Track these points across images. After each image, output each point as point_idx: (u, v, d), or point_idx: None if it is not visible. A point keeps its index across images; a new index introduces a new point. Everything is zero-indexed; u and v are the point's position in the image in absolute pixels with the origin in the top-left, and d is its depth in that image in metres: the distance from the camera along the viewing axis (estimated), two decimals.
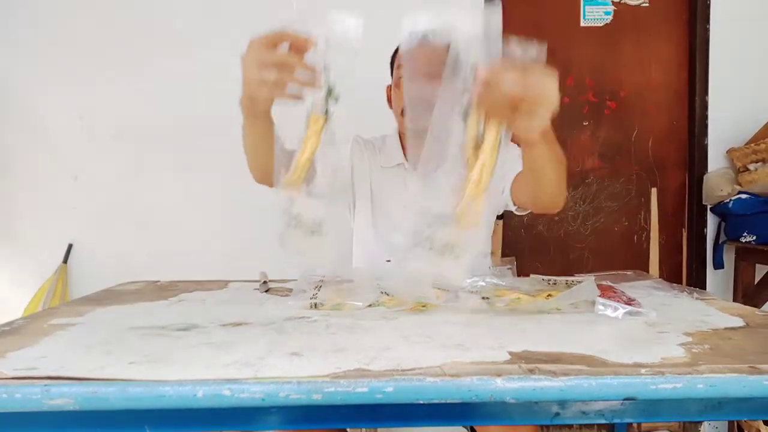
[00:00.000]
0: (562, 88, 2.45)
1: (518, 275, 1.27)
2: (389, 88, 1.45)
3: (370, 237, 1.46)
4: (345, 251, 1.51)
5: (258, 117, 0.94)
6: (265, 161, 0.97)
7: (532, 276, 1.24)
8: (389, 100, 1.45)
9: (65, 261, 2.24)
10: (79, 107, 2.28)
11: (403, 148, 1.44)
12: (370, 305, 0.96)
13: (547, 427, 2.05)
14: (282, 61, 0.80)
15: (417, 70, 1.19)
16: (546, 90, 0.74)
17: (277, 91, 0.82)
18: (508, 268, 1.27)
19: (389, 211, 1.42)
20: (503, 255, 2.16)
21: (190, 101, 2.27)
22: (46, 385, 0.59)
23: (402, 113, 1.36)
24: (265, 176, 1.07)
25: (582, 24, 2.33)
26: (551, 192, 1.05)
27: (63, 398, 0.58)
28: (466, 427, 1.28)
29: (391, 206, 1.42)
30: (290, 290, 1.12)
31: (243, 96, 0.89)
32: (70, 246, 2.26)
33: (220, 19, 2.28)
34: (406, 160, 1.43)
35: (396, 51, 1.41)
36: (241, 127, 1.02)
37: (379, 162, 1.45)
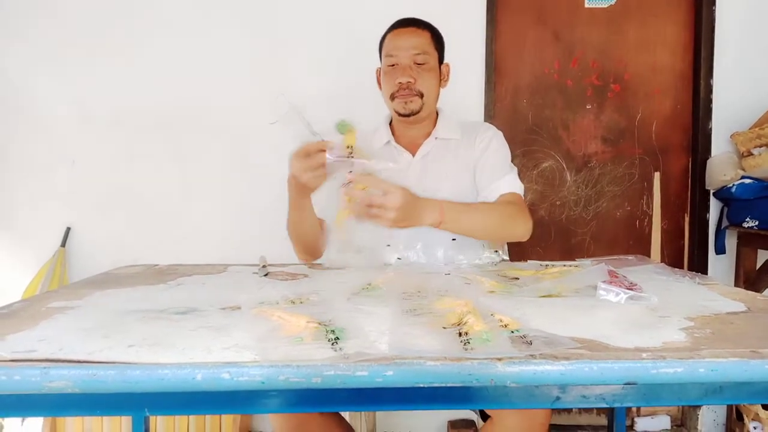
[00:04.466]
0: (567, 70, 2.43)
1: (518, 260, 1.27)
2: (378, 71, 1.51)
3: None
4: None
5: (305, 197, 1.24)
6: (308, 238, 1.34)
7: (529, 261, 1.24)
8: (379, 83, 1.51)
9: (63, 244, 2.24)
10: (76, 93, 2.26)
11: (392, 129, 1.53)
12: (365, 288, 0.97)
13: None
14: (315, 164, 1.11)
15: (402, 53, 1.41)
16: (388, 211, 1.07)
17: (319, 180, 1.14)
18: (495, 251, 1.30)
19: None
20: None
21: (188, 86, 2.25)
22: (45, 368, 0.58)
23: (391, 97, 1.43)
24: (311, 251, 1.38)
25: (586, 5, 2.29)
26: (496, 240, 1.38)
27: (62, 381, 0.58)
28: (475, 411, 1.30)
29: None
30: (291, 274, 1.12)
31: (294, 185, 1.19)
32: (68, 229, 2.25)
33: (218, 4, 2.25)
34: (394, 138, 1.52)
35: (384, 36, 1.48)
36: (287, 216, 1.30)
37: (370, 145, 1.52)
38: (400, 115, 1.44)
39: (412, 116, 1.43)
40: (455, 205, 1.21)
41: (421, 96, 1.41)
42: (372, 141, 1.52)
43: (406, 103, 1.41)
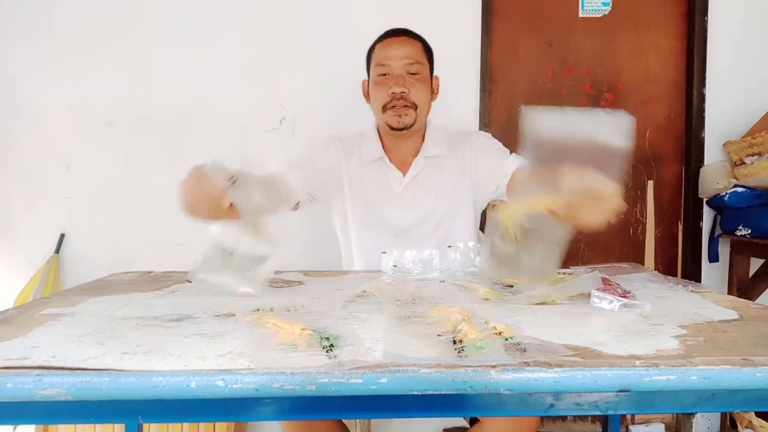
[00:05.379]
0: (561, 79, 2.44)
1: None
2: (365, 83, 1.47)
3: (358, 231, 1.48)
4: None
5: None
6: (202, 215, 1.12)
7: None
8: (365, 95, 1.48)
9: (57, 251, 2.23)
10: (71, 96, 2.25)
11: (382, 142, 1.47)
12: (359, 296, 0.97)
13: (541, 418, 2.06)
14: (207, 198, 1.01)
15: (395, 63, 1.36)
16: (604, 213, 0.87)
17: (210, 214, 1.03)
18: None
19: (372, 203, 1.45)
20: None
21: (183, 90, 2.25)
22: (38, 375, 0.58)
23: (383, 109, 1.38)
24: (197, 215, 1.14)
25: (581, 14, 2.31)
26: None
27: (55, 388, 0.58)
28: (466, 418, 1.29)
29: (373, 198, 1.45)
30: (286, 281, 1.12)
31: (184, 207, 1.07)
32: (62, 236, 2.24)
33: (215, 9, 2.25)
34: (386, 154, 1.46)
35: (371, 47, 1.44)
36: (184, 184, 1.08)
37: (358, 157, 1.47)
38: (392, 128, 1.39)
39: (404, 130, 1.39)
40: None
41: (415, 108, 1.37)
42: (360, 151, 1.47)
43: (400, 116, 1.36)
